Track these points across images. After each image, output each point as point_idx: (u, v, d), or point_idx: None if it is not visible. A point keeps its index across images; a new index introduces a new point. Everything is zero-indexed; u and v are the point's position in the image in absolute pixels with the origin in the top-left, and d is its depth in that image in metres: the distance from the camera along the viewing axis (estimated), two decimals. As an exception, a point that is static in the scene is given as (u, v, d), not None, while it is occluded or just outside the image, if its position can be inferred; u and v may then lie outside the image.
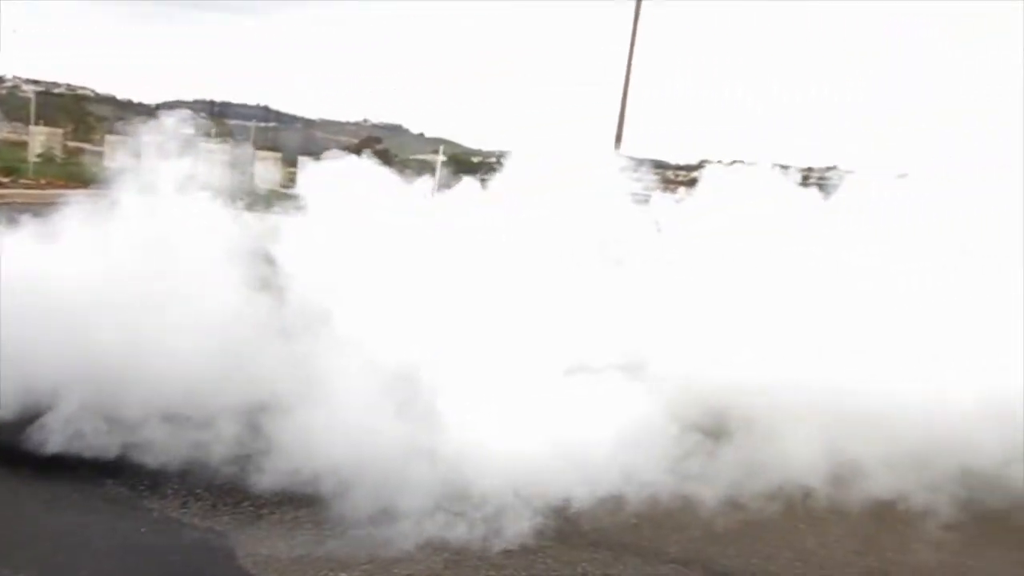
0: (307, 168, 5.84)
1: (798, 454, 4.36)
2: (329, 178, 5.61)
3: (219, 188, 5.13)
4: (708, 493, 4.04)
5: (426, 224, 5.47)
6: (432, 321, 4.78)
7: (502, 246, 5.28)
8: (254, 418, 4.13)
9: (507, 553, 3.37)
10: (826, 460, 4.36)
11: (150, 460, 3.83)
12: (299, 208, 5.58)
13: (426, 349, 4.60)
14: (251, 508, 3.61)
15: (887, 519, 4.08)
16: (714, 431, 4.60)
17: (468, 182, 6.36)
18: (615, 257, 5.74)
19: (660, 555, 3.53)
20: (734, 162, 6.33)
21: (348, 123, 53.62)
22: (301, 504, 3.66)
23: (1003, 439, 4.34)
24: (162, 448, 3.88)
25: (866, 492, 4.22)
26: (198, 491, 3.71)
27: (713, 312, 5.10)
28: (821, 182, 6.93)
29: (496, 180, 6.08)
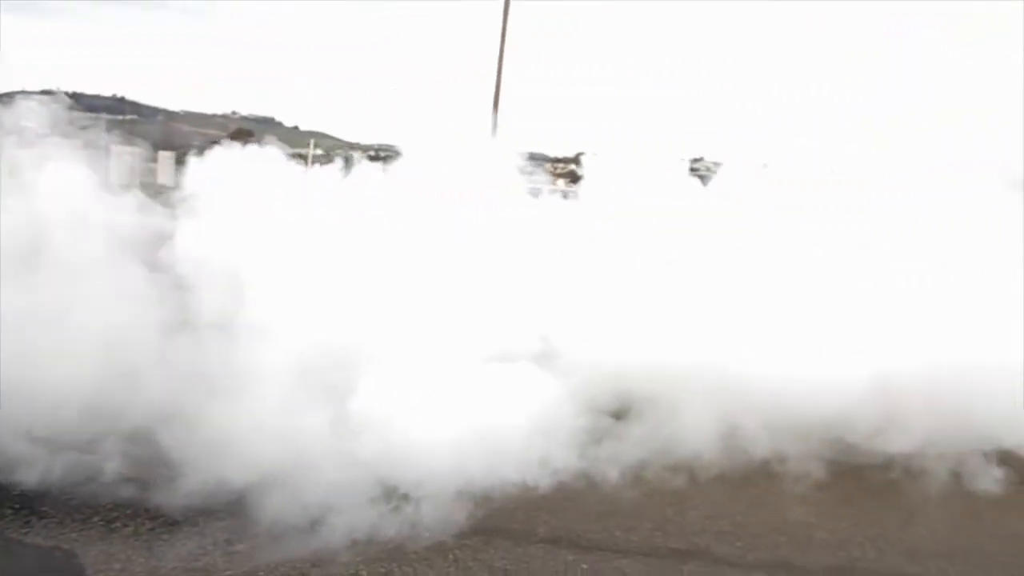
0: (198, 160, 5.55)
1: (689, 432, 4.66)
2: (224, 169, 5.40)
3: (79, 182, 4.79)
4: (593, 473, 4.24)
5: (330, 214, 5.35)
6: (342, 313, 4.72)
7: (408, 237, 5.23)
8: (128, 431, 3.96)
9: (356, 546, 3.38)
10: (715, 436, 4.66)
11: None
12: (184, 202, 5.32)
13: (335, 341, 4.54)
14: (102, 523, 3.42)
15: (753, 486, 4.41)
16: (617, 413, 4.87)
17: (367, 171, 6.23)
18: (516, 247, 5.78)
19: (530, 536, 3.63)
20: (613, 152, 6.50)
21: (215, 115, 51.10)
22: (170, 515, 3.51)
23: (876, 412, 4.75)
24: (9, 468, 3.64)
25: (743, 463, 4.57)
26: (43, 509, 3.48)
27: (614, 300, 5.28)
28: (708, 172, 7.17)
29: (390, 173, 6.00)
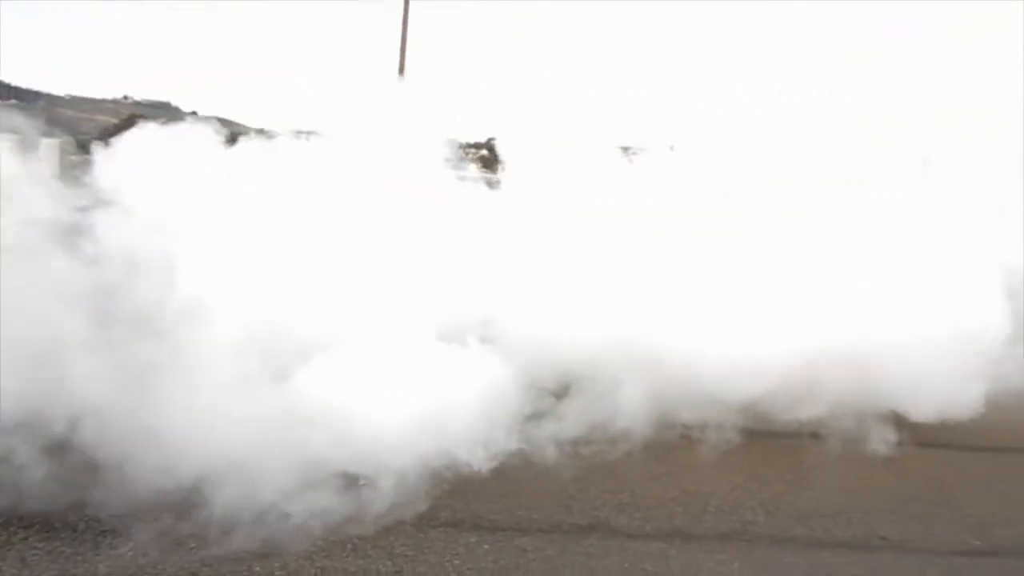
0: (113, 144, 5.19)
1: (612, 410, 4.77)
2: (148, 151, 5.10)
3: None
4: (500, 455, 4.24)
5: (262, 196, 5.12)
6: (279, 297, 4.60)
7: (343, 220, 5.10)
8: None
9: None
10: (638, 413, 4.76)
11: None
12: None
13: (271, 326, 4.42)
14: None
15: (659, 459, 4.52)
16: (556, 392, 4.96)
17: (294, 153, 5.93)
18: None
19: (432, 521, 3.60)
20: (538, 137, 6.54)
21: (105, 101, 48.24)
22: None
23: (794, 387, 4.97)
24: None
25: (656, 437, 4.71)
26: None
27: (549, 281, 5.33)
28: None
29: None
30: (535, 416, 4.70)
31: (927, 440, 5.04)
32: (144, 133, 5.28)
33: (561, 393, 4.98)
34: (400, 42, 18.18)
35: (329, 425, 3.98)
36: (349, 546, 3.30)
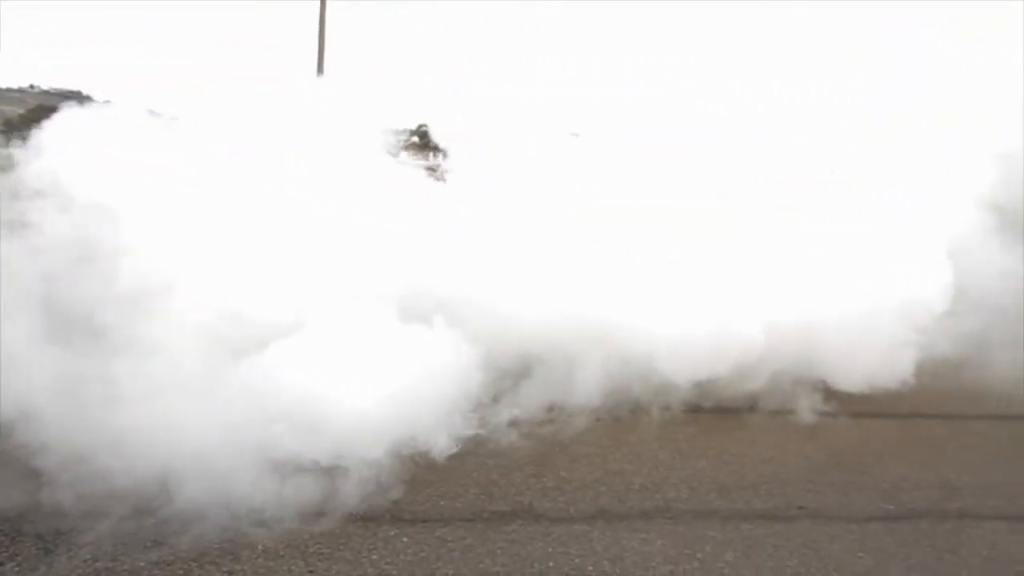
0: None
1: (550, 391, 4.84)
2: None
3: None
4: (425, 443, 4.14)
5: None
6: (230, 278, 4.47)
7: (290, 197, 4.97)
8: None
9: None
10: (580, 393, 4.85)
11: None
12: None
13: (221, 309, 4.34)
14: None
15: (585, 440, 4.49)
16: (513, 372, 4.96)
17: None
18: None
19: (349, 515, 3.47)
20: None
21: (10, 90, 45.57)
22: None
23: (736, 362, 5.06)
24: None
25: (585, 418, 4.74)
26: None
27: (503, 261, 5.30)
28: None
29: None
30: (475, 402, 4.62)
31: (846, 410, 5.18)
32: (75, 116, 4.98)
33: (501, 376, 4.91)
34: (318, 40, 17.69)
35: (261, 415, 3.83)
36: (260, 547, 3.15)
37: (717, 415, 5.06)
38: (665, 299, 5.04)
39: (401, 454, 3.99)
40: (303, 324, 4.43)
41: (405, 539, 3.30)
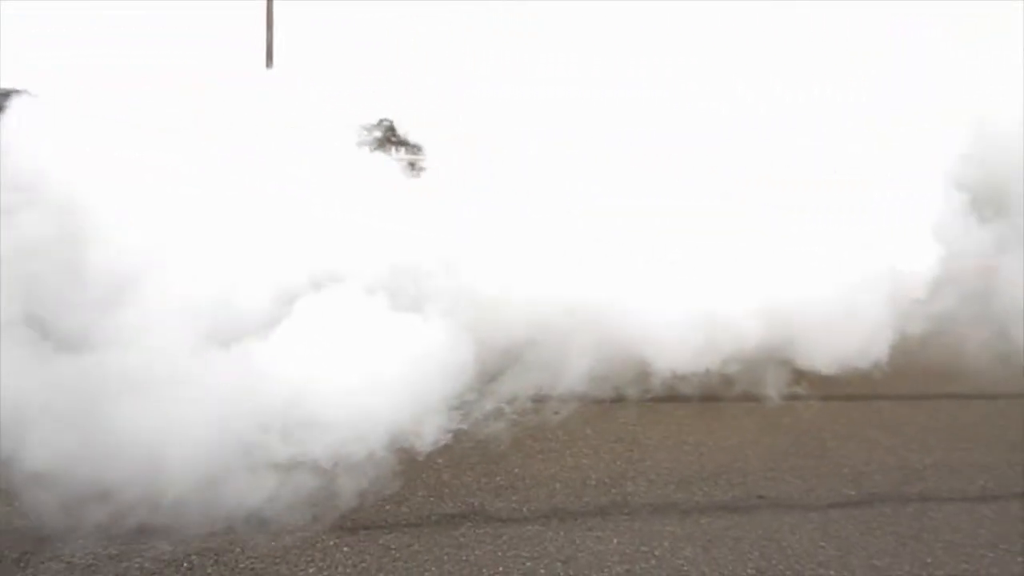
0: None
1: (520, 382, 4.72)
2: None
3: None
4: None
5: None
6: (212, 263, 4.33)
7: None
8: None
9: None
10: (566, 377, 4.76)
11: None
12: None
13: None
14: None
15: (543, 435, 4.34)
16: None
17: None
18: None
19: (286, 526, 3.26)
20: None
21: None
22: None
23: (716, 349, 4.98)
24: None
25: (540, 412, 4.60)
26: None
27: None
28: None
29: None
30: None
31: (808, 393, 5.10)
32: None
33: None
34: (266, 32, 17.20)
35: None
36: (185, 564, 2.93)
37: (677, 403, 4.93)
38: (656, 285, 4.93)
39: (343, 455, 3.77)
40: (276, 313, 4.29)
41: (346, 548, 3.10)
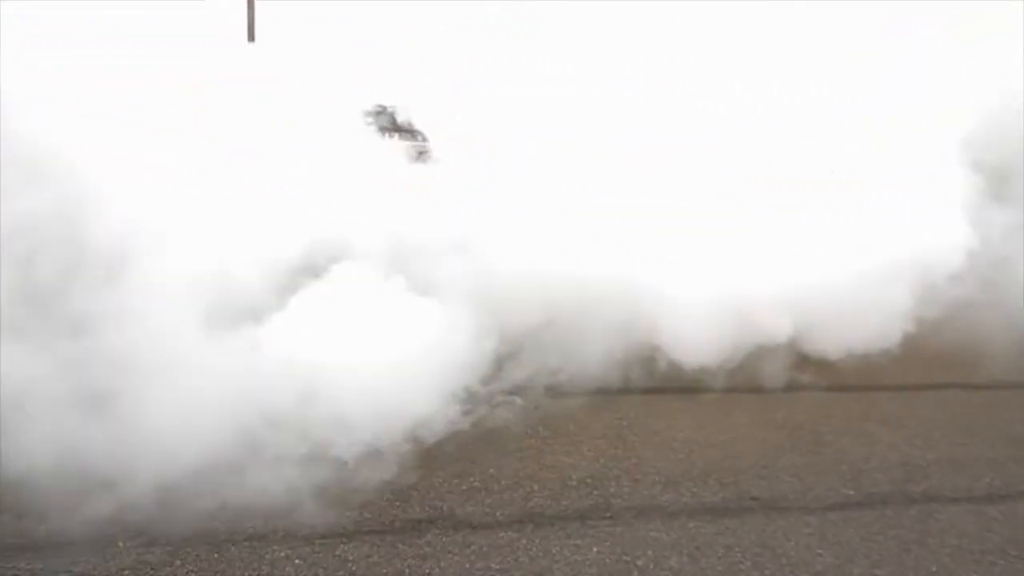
0: None
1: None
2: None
3: None
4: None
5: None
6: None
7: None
8: None
9: None
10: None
11: None
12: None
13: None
14: None
15: (521, 432, 4.07)
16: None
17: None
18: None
19: (234, 536, 2.97)
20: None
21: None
22: None
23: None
24: None
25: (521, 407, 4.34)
26: None
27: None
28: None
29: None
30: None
31: (802, 384, 4.84)
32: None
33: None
34: (247, 5, 16.75)
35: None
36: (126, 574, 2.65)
37: (665, 396, 4.67)
38: (678, 270, 4.74)
39: (301, 455, 3.49)
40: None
41: (298, 561, 2.82)
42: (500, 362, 4.57)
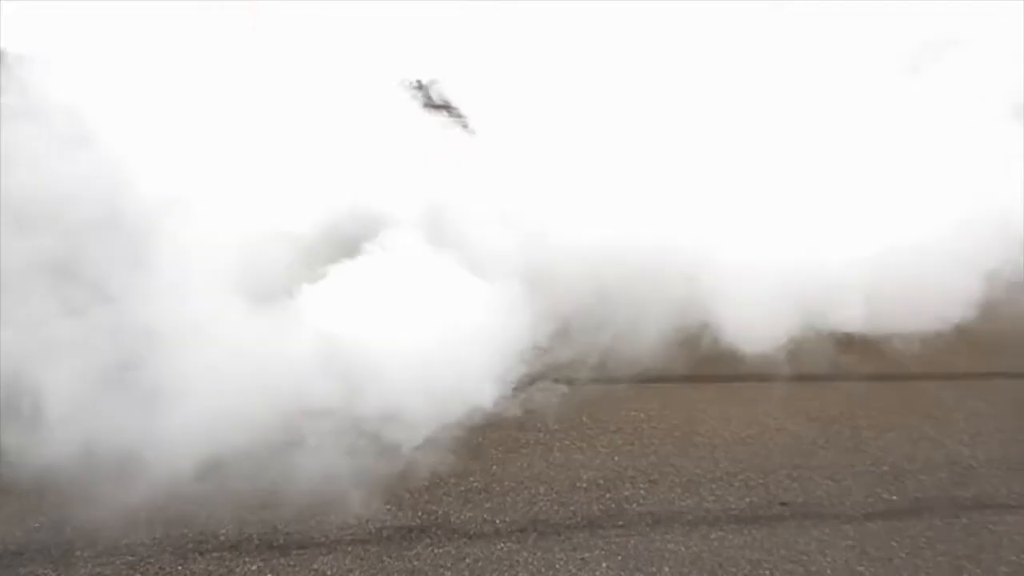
0: None
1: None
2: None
3: None
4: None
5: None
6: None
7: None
8: None
9: None
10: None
11: None
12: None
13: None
14: None
15: (527, 425, 3.75)
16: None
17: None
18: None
19: (205, 545, 2.70)
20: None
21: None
22: None
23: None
24: None
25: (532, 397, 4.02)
26: None
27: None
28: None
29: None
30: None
31: (837, 373, 4.45)
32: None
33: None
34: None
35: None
36: (68, 598, 2.38)
37: (687, 384, 4.31)
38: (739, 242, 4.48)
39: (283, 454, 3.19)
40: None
41: (270, 575, 2.53)
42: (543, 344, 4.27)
